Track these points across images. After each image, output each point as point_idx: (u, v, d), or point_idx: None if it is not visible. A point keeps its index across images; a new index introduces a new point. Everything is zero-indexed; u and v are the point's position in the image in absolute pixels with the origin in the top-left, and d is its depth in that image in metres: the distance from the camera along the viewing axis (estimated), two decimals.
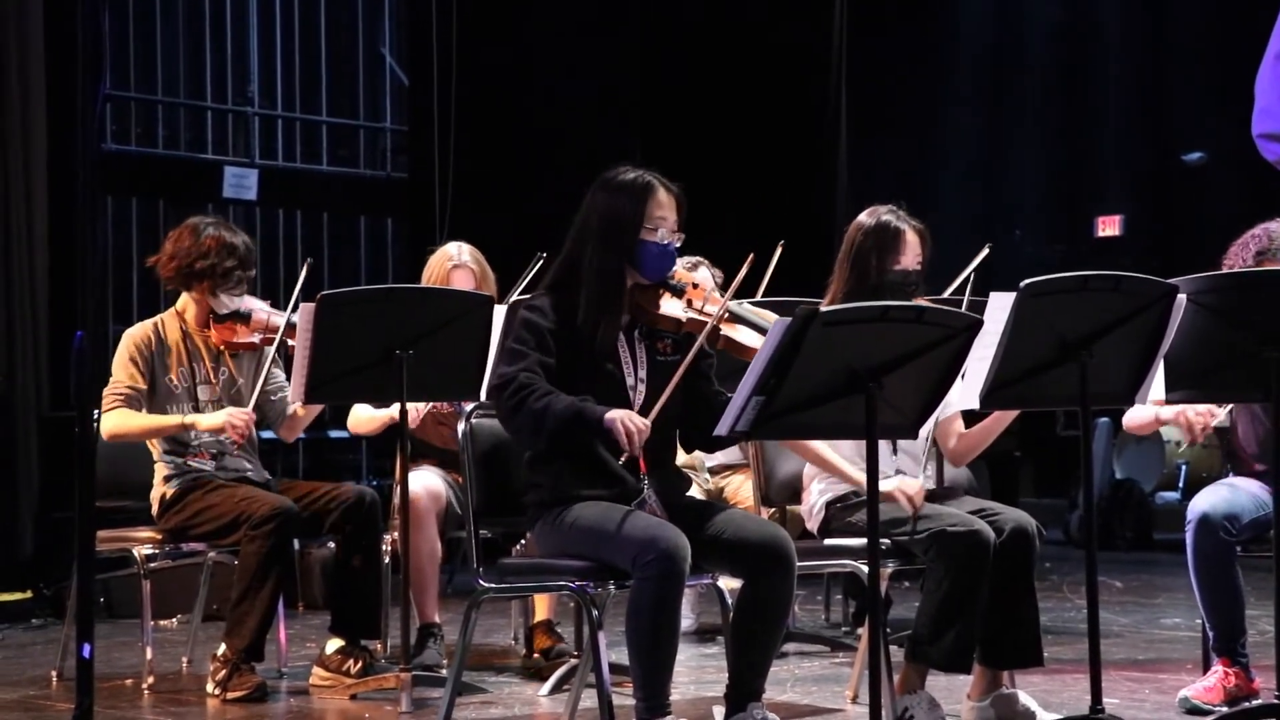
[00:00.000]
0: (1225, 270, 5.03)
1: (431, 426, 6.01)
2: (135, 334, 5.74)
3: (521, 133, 10.51)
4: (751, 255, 4.49)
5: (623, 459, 4.30)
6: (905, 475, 4.84)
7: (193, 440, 5.68)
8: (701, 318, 4.39)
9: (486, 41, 10.43)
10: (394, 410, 5.77)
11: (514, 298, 5.80)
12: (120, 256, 10.21)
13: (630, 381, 4.39)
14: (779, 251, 6.63)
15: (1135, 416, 5.07)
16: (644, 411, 4.31)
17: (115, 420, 5.58)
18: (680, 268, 4.49)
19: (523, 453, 4.45)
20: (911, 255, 4.94)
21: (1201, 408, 4.85)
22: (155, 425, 5.64)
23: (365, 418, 5.99)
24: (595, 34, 10.85)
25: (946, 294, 6.11)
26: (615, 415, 4.19)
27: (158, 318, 5.82)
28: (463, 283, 5.99)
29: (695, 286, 4.46)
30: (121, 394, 5.61)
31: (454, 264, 6.05)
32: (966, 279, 6.09)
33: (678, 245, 4.45)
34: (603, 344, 4.35)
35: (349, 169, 11.75)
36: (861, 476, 4.79)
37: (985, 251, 5.97)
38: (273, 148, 11.37)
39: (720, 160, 10.56)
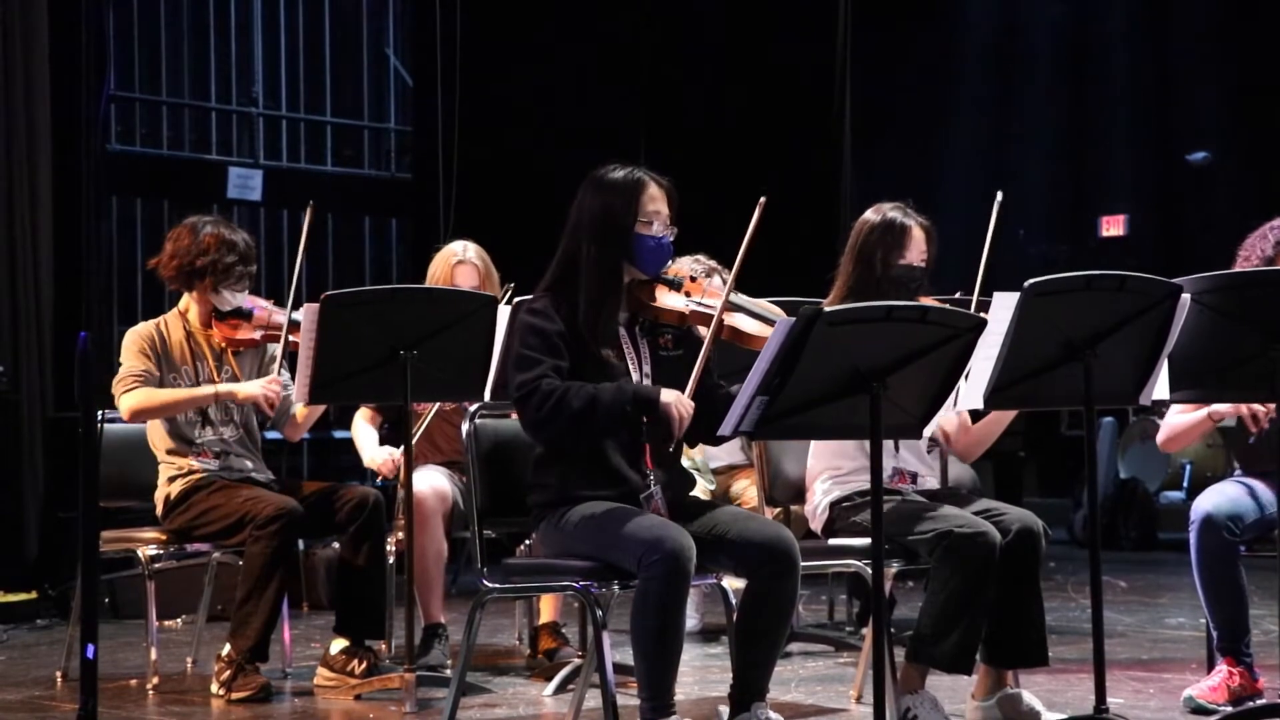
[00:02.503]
0: (1240, 261, 5.02)
1: (437, 426, 6.01)
2: (140, 330, 5.74)
3: (525, 133, 10.51)
4: (763, 199, 4.32)
5: (671, 445, 4.28)
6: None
7: (197, 439, 5.69)
8: (704, 309, 4.40)
9: (491, 42, 10.43)
10: (394, 455, 5.84)
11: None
12: (125, 258, 10.21)
13: (636, 377, 4.39)
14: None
15: (1177, 424, 5.00)
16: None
17: (139, 396, 5.55)
18: (699, 274, 4.48)
19: (528, 452, 4.45)
20: (916, 251, 4.93)
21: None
22: (185, 397, 5.60)
23: (367, 450, 6.04)
24: (599, 35, 10.84)
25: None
26: (670, 400, 4.20)
27: (160, 318, 5.82)
28: (466, 279, 6.00)
29: (693, 280, 4.46)
30: (139, 375, 5.60)
31: (458, 260, 6.06)
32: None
33: (672, 239, 4.46)
34: (601, 336, 4.35)
35: (354, 169, 11.76)
36: None
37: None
38: (277, 148, 11.37)
39: (724, 162, 10.55)
